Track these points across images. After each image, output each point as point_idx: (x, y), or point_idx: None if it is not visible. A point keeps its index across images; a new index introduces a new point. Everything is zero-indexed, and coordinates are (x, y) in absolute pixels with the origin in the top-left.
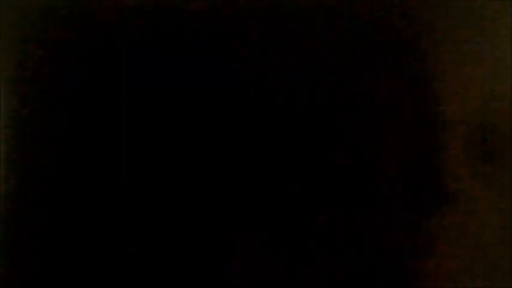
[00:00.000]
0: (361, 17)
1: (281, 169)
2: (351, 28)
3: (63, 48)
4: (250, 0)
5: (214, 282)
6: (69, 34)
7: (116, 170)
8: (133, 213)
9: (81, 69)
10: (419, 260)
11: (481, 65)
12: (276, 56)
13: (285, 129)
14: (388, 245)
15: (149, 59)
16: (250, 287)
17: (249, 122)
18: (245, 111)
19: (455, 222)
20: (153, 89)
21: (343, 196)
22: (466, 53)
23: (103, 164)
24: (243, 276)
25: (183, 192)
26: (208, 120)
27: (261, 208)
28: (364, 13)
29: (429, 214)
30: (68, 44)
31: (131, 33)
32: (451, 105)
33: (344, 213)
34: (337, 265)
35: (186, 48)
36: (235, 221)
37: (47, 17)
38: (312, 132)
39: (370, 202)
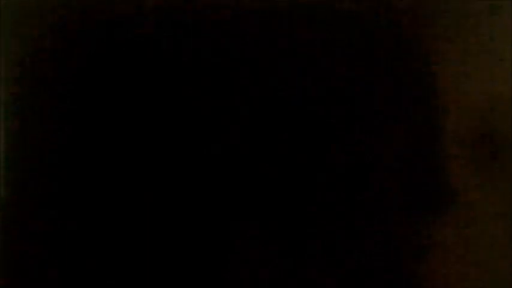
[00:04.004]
0: (360, 16)
1: (281, 170)
2: (350, 28)
3: (64, 48)
4: (250, 1)
5: (214, 282)
6: (69, 34)
7: (117, 168)
8: (135, 213)
9: (82, 69)
10: (419, 261)
11: (481, 65)
12: (277, 55)
13: (284, 129)
14: (388, 246)
15: (150, 59)
16: (249, 287)
17: (249, 122)
18: (245, 111)
19: (456, 223)
20: (154, 89)
21: (343, 197)
22: (466, 53)
23: (104, 163)
24: (243, 276)
25: (183, 192)
26: (209, 119)
27: (261, 208)
28: (364, 13)
29: (429, 215)
30: (68, 43)
31: (132, 33)
32: (450, 106)
33: (343, 214)
34: (336, 266)
35: (186, 49)
36: (236, 221)
37: (47, 17)
38: (312, 132)
39: (370, 203)
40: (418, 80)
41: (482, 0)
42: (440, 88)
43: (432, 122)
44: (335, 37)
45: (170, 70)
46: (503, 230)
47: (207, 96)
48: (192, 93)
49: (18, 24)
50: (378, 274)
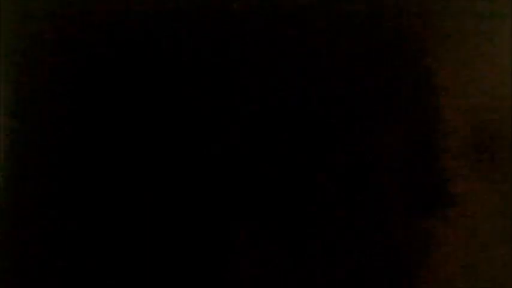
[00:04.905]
0: (361, 17)
1: (281, 170)
2: (350, 28)
3: (64, 48)
4: (249, 1)
5: (214, 282)
6: (69, 33)
7: (117, 168)
8: (135, 212)
9: (82, 69)
10: (420, 261)
11: (481, 65)
12: (277, 55)
13: (284, 129)
14: (388, 246)
15: (150, 59)
16: (249, 287)
17: (249, 122)
18: (246, 111)
19: (456, 222)
20: (155, 89)
21: (344, 197)
22: (466, 53)
23: (104, 163)
24: (243, 276)
25: (183, 192)
26: (209, 119)
27: (261, 208)
28: (364, 13)
29: (429, 215)
30: (68, 43)
31: (132, 33)
32: (451, 106)
33: (343, 214)
34: (336, 266)
35: (186, 49)
36: (236, 221)
37: (47, 17)
38: (313, 133)
39: (370, 203)
40: (418, 80)
41: (482, 0)
42: (440, 88)
43: (432, 123)
44: (335, 37)
45: (170, 70)
46: (503, 230)
47: (207, 96)
48: (192, 93)
49: (18, 24)
50: (378, 274)
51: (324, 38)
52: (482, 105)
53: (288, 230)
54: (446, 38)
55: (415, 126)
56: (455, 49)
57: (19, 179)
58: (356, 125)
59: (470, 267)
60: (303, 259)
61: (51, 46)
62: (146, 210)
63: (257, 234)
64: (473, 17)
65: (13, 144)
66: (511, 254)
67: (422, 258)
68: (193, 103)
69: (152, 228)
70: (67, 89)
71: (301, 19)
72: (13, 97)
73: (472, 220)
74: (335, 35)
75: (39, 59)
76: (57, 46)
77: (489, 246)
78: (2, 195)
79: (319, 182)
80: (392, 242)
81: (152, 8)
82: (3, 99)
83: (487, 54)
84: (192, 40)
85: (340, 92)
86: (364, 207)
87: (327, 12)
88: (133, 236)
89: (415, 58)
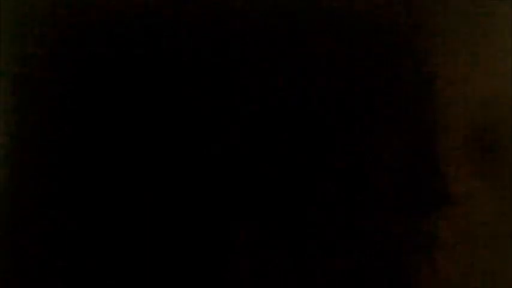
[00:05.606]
0: (360, 17)
1: (281, 170)
2: (350, 28)
3: (64, 48)
4: (249, 1)
5: (214, 282)
6: (69, 34)
7: (117, 168)
8: (135, 213)
9: (82, 69)
10: (420, 261)
11: (481, 65)
12: (276, 55)
13: (284, 129)
14: (387, 245)
15: (150, 59)
16: (249, 287)
17: (249, 122)
18: (245, 111)
19: (455, 222)
20: (155, 89)
21: (342, 196)
22: (466, 53)
23: (104, 163)
24: (243, 276)
25: (183, 192)
26: (209, 119)
27: (261, 208)
28: (364, 13)
29: (429, 215)
30: (68, 43)
31: (132, 33)
32: (450, 105)
33: (342, 214)
34: (336, 266)
35: (186, 49)
36: (236, 221)
37: (47, 17)
38: (312, 133)
39: (369, 203)
40: (417, 80)
41: (482, 0)
42: (440, 88)
43: (432, 122)
44: (334, 37)
45: (169, 70)
46: (503, 229)
47: (207, 96)
48: (192, 93)
49: (18, 24)
50: (377, 274)
51: (323, 38)
52: (482, 105)
53: (287, 230)
54: (446, 38)
55: (415, 126)
56: (455, 49)
57: (19, 179)
58: (356, 125)
59: (470, 267)
60: (303, 259)
61: (51, 46)
62: (146, 210)
63: (257, 234)
64: (473, 17)
65: (13, 144)
66: (511, 254)
67: (422, 258)
68: (193, 103)
69: (152, 228)
70: (67, 89)
71: (301, 19)
72: (13, 97)
73: (472, 220)
74: (334, 34)
75: (39, 59)
76: (57, 46)
77: (489, 246)
78: (2, 195)
79: (319, 182)
80: (392, 242)
81: (152, 8)
82: (3, 99)
83: (487, 54)
84: (192, 39)
85: (340, 92)
86: (364, 207)
87: (326, 12)
88: (133, 235)
89: (414, 58)
